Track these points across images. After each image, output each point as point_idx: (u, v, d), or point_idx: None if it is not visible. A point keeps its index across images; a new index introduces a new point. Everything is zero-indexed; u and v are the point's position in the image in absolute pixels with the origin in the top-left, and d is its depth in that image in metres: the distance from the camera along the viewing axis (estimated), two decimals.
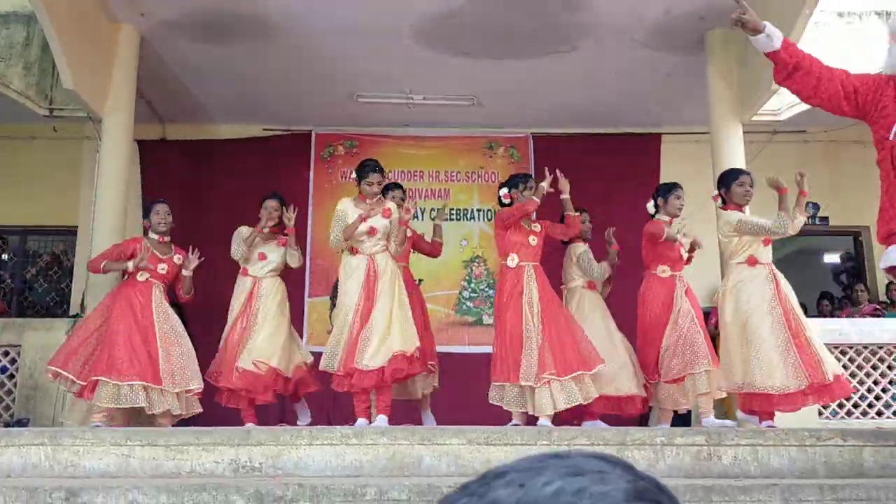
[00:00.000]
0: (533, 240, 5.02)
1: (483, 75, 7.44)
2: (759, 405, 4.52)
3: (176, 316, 5.27)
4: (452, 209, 8.58)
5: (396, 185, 5.69)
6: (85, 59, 6.07)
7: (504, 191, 5.19)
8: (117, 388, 4.74)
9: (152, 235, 5.35)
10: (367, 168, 5.07)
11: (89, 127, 6.75)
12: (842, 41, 6.96)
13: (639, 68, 7.25)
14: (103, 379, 4.74)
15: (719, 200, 4.94)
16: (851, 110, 3.13)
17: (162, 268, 5.24)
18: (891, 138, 2.99)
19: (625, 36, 6.75)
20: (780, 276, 4.62)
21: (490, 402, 4.86)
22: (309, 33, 6.68)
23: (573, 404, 4.67)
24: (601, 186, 8.33)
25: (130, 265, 5.13)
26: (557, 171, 5.10)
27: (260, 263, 5.45)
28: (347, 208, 4.95)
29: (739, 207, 4.81)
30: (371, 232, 4.88)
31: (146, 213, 5.48)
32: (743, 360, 4.49)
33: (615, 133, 8.61)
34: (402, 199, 5.45)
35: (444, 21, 6.50)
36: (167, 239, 5.39)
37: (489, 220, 8.43)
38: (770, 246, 4.72)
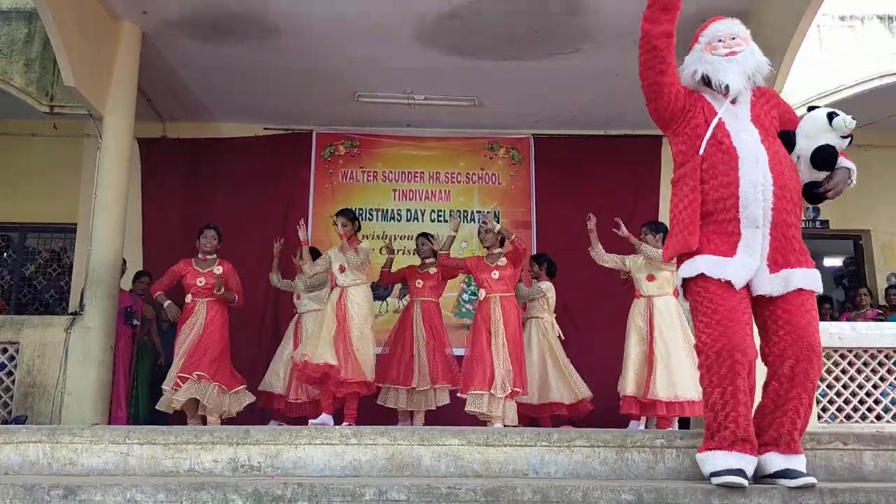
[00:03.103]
0: (495, 274, 5.77)
1: (484, 76, 7.44)
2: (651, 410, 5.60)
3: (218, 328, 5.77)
4: (452, 210, 8.58)
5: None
6: (86, 57, 6.07)
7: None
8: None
9: (199, 255, 5.94)
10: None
11: (90, 124, 6.75)
12: (843, 45, 6.96)
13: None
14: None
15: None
16: (676, 105, 2.99)
17: (201, 281, 5.77)
18: (700, 153, 2.89)
19: (626, 38, 6.72)
20: (659, 307, 5.69)
21: (467, 409, 5.49)
22: (310, 33, 6.68)
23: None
24: (602, 187, 8.34)
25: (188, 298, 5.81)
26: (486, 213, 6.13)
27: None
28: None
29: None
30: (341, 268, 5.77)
31: (197, 235, 6.04)
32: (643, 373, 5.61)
33: (616, 134, 8.62)
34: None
35: (446, 21, 6.49)
36: (210, 257, 5.95)
37: None
38: (654, 282, 5.77)
